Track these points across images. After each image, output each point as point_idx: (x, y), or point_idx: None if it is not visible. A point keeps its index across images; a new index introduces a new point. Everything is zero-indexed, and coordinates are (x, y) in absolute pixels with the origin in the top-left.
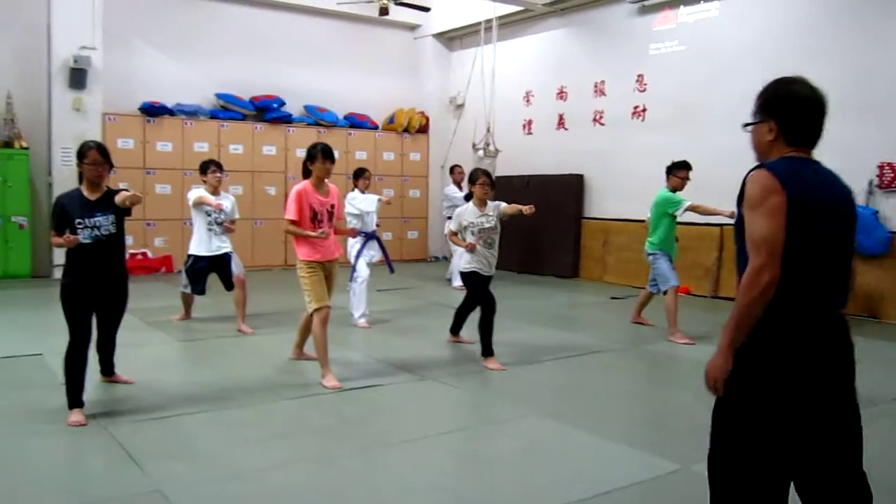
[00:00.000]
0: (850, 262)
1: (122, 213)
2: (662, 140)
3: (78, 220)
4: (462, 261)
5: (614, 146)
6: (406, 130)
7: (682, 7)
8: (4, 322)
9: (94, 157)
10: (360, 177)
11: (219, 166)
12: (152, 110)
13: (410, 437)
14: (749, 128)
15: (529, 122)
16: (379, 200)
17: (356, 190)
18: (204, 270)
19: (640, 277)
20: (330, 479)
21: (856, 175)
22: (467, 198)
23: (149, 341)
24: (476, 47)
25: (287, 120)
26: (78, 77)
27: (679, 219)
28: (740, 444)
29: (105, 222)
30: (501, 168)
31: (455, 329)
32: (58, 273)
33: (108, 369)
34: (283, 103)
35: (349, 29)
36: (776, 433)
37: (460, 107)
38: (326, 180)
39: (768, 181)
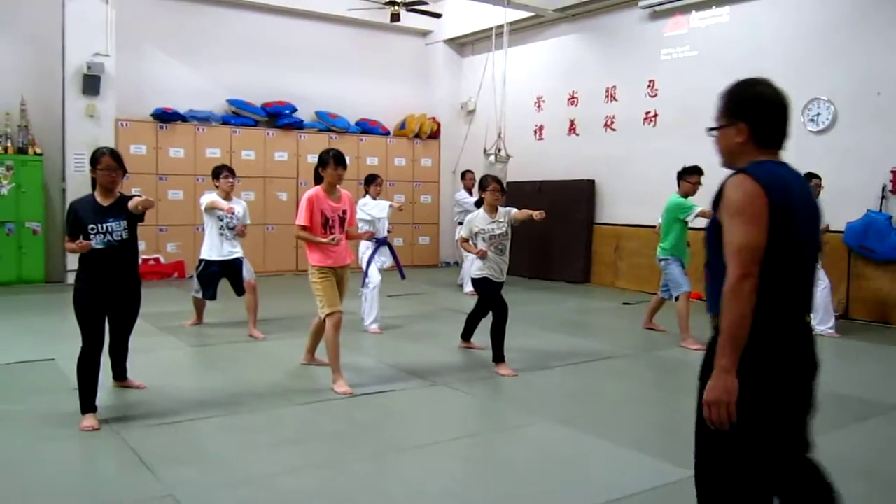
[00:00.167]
0: (816, 265)
1: (134, 218)
2: (674, 145)
3: (91, 226)
4: (473, 267)
5: (625, 151)
6: (417, 136)
7: (693, 12)
8: (18, 327)
9: (107, 162)
10: (371, 183)
11: (231, 171)
12: (165, 116)
13: (421, 442)
14: (714, 132)
15: (540, 128)
16: (390, 206)
17: (368, 196)
18: (215, 275)
19: (652, 283)
20: (341, 485)
21: (869, 180)
22: (478, 203)
23: (161, 346)
24: (487, 53)
25: (299, 126)
26: (91, 84)
27: (690, 224)
28: (734, 455)
29: (118, 228)
30: (513, 173)
31: (466, 335)
32: (71, 278)
33: (120, 374)
34: (294, 109)
35: (361, 35)
36: (768, 440)
37: (471, 112)
38: (338, 186)
39: (751, 187)
